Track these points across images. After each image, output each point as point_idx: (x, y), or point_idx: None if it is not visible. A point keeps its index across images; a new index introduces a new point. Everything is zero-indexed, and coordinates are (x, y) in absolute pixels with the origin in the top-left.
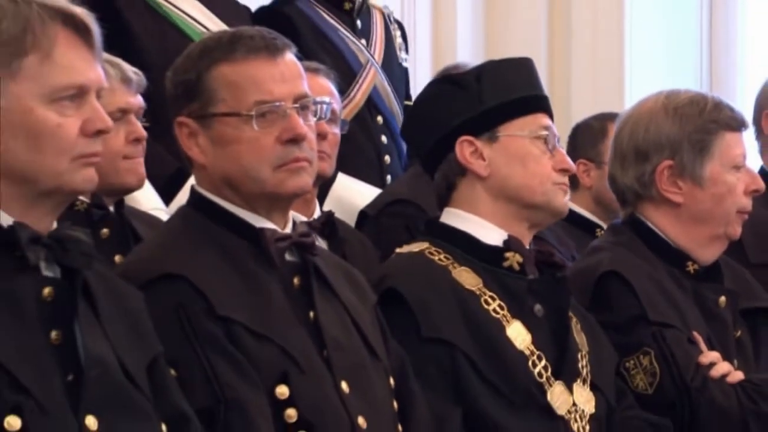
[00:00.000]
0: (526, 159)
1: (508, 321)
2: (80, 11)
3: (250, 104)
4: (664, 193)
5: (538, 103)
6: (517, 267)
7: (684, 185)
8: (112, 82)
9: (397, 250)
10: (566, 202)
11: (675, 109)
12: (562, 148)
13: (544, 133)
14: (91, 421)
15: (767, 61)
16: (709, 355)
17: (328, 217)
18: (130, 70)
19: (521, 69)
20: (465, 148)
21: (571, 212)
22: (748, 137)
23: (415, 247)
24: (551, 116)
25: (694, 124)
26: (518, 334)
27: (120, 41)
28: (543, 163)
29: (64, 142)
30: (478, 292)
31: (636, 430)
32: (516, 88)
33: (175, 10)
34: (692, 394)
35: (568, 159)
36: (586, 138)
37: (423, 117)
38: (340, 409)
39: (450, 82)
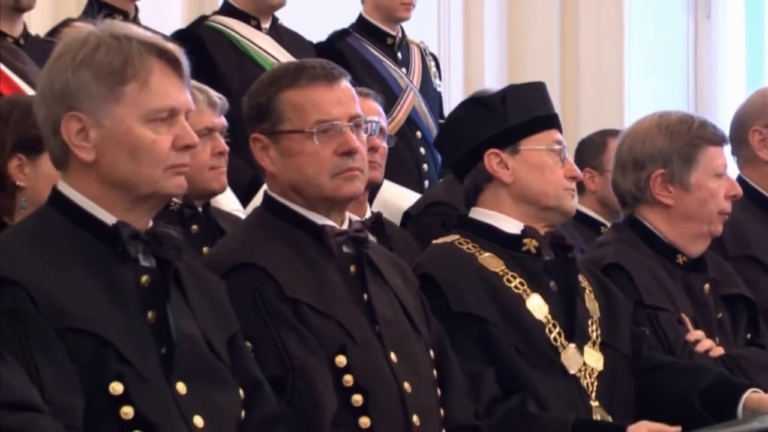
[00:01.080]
0: (544, 168)
1: (527, 295)
2: (172, 47)
3: (312, 123)
4: (657, 196)
5: (552, 121)
6: (533, 250)
7: (674, 190)
8: (200, 105)
9: (433, 242)
10: (574, 204)
11: (667, 126)
12: (571, 159)
13: (558, 146)
14: (180, 387)
15: (744, 86)
16: (695, 333)
17: (377, 217)
18: (215, 95)
19: (538, 92)
20: (492, 159)
21: (579, 213)
22: (727, 150)
23: (446, 239)
24: (561, 132)
25: (683, 139)
26: (536, 306)
27: (206, 71)
28: (556, 172)
29: (158, 155)
30: (501, 273)
31: None
32: (534, 108)
33: (252, 45)
34: None
35: (576, 168)
36: (590, 150)
37: (456, 132)
38: (389, 375)
39: (479, 103)
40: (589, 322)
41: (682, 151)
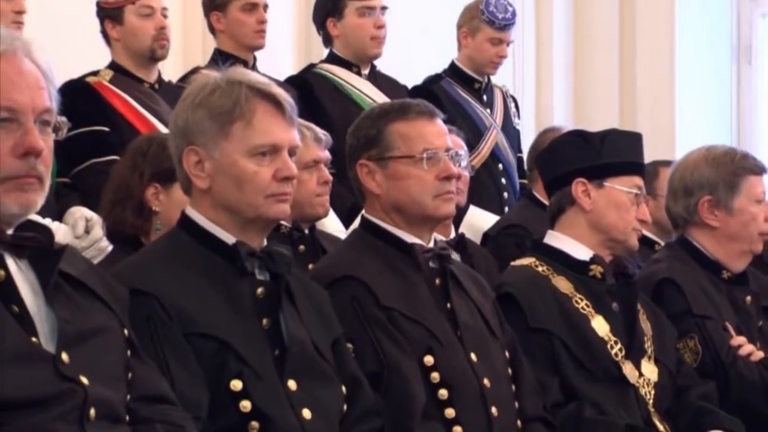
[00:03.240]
0: (620, 207)
1: (592, 315)
2: (277, 90)
3: (420, 150)
4: (705, 219)
5: (639, 168)
6: (599, 275)
7: (719, 214)
8: (307, 141)
9: (512, 263)
10: (637, 243)
11: (713, 158)
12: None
13: (637, 191)
14: (291, 384)
15: None
16: (738, 339)
17: (461, 238)
18: (320, 132)
19: (634, 141)
20: (578, 187)
21: None
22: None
23: (524, 261)
24: (644, 179)
25: (727, 169)
26: (600, 325)
27: (313, 111)
28: (630, 212)
29: (259, 185)
30: (570, 295)
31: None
32: (627, 154)
33: (353, 89)
34: (725, 368)
35: (648, 214)
36: (645, 178)
37: (556, 154)
38: (470, 373)
39: (581, 136)
40: (645, 339)
41: (726, 180)
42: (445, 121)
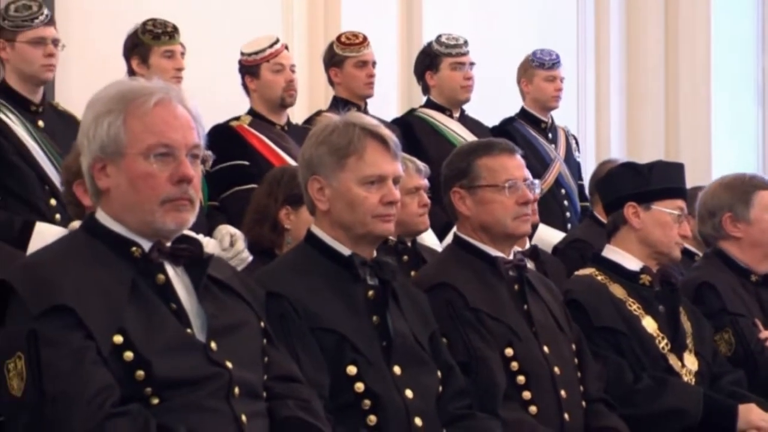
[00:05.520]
0: (665, 226)
1: (643, 316)
2: (384, 131)
3: (503, 180)
4: (730, 233)
5: (682, 193)
6: (647, 283)
7: (741, 226)
8: (410, 171)
9: (575, 273)
10: (680, 254)
11: (727, 183)
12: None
13: (679, 212)
14: (396, 369)
15: None
16: (765, 333)
17: (534, 248)
18: (420, 163)
19: (677, 170)
20: (629, 209)
21: None
22: None
23: (586, 271)
24: (686, 201)
25: (740, 189)
26: (649, 324)
27: (414, 147)
28: (673, 230)
29: (368, 208)
30: (624, 299)
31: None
32: (671, 181)
33: (447, 129)
34: (755, 357)
35: (689, 230)
36: (687, 200)
37: (612, 182)
38: (543, 362)
39: (632, 167)
40: (686, 335)
41: (740, 197)
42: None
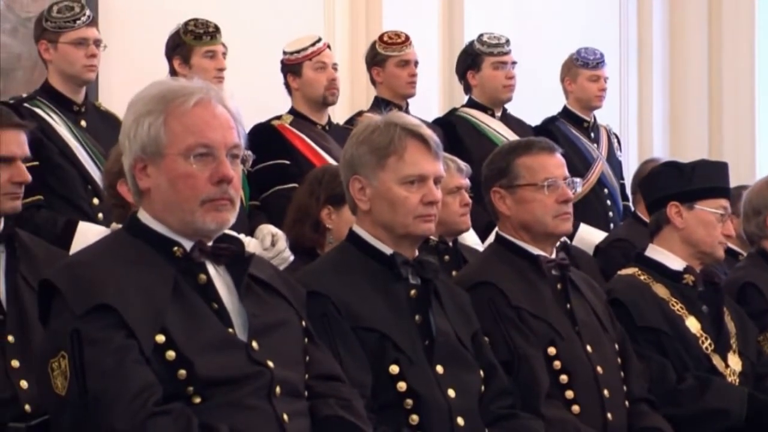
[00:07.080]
0: (708, 225)
1: (686, 316)
2: (425, 131)
3: (542, 179)
4: None
5: (725, 192)
6: (691, 283)
7: None
8: (451, 170)
9: (618, 272)
10: (723, 254)
11: None
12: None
13: (722, 212)
14: (439, 368)
15: None
16: None
17: (564, 244)
18: (461, 163)
19: (721, 169)
20: (672, 209)
21: None
22: None
23: (628, 270)
24: (730, 200)
25: None
26: (693, 324)
27: (456, 146)
28: (717, 229)
29: (409, 208)
30: (667, 299)
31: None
32: (714, 180)
33: (488, 128)
34: None
35: (732, 229)
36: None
37: (655, 181)
38: (586, 361)
39: (674, 166)
40: (730, 335)
41: None
42: (563, 155)
